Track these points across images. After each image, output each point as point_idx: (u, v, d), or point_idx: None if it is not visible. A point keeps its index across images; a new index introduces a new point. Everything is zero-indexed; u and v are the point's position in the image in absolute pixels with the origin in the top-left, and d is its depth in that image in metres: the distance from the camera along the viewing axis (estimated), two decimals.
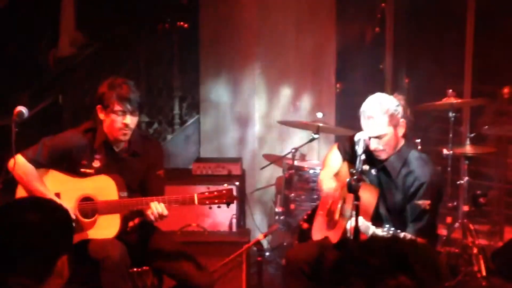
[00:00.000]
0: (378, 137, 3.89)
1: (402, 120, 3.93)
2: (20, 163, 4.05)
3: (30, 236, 2.15)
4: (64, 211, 2.26)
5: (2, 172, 3.99)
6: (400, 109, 3.91)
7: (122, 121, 4.03)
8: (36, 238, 2.15)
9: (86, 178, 4.11)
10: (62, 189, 4.11)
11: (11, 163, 4.03)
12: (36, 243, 2.15)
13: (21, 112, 3.92)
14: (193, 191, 4.14)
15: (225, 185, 4.10)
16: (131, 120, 4.03)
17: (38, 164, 4.10)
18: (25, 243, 2.13)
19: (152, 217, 3.96)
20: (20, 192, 4.13)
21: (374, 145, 3.91)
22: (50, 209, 2.23)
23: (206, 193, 3.97)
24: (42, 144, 4.12)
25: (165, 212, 3.96)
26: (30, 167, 4.08)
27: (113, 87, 4.02)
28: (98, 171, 4.11)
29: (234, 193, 4.10)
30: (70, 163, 4.13)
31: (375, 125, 3.87)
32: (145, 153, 4.20)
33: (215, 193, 3.96)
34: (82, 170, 4.12)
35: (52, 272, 2.18)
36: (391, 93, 4.04)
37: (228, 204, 4.01)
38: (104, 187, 4.05)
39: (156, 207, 3.94)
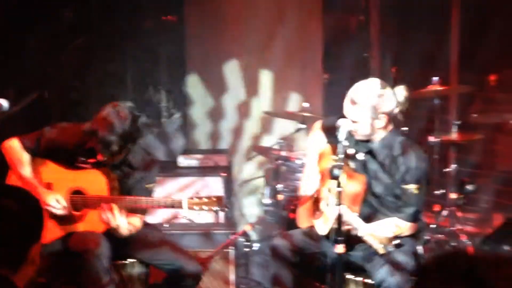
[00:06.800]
0: (356, 122, 3.88)
1: (392, 110, 3.90)
2: (15, 148, 4.07)
3: (6, 222, 2.14)
4: (36, 200, 2.25)
5: None
6: (391, 99, 3.88)
7: None
8: (11, 224, 2.14)
9: (79, 170, 4.08)
10: (55, 179, 4.09)
11: (6, 144, 4.04)
12: (11, 230, 2.13)
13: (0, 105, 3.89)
14: (179, 183, 4.10)
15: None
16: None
17: (34, 153, 4.10)
18: (1, 230, 2.12)
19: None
20: (11, 178, 4.11)
21: (353, 127, 3.89)
22: (23, 197, 2.23)
23: (196, 199, 3.94)
24: (42, 134, 4.11)
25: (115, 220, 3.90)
26: (24, 154, 4.07)
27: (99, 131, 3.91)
28: (94, 166, 4.09)
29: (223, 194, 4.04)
30: (67, 157, 4.10)
31: (356, 111, 3.85)
32: (140, 166, 4.16)
33: (205, 199, 3.93)
34: (78, 164, 4.09)
35: (25, 260, 2.17)
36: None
37: (217, 212, 3.98)
38: (95, 181, 4.03)
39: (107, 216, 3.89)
